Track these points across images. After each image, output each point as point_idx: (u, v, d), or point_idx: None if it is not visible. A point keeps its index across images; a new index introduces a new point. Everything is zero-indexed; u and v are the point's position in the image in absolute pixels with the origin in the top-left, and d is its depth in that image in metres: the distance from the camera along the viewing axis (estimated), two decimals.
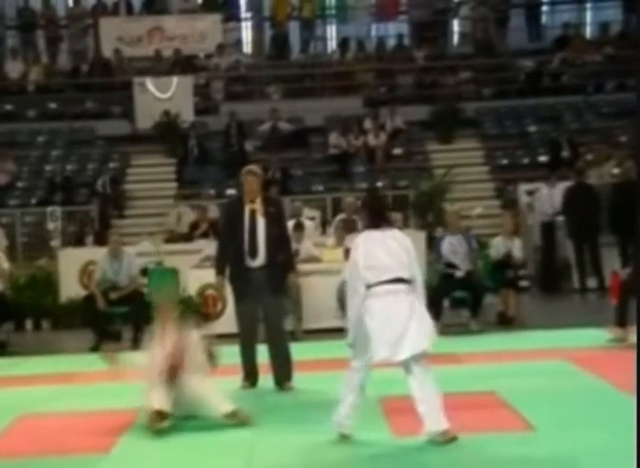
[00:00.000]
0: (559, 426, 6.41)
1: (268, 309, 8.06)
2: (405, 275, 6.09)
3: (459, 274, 11.12)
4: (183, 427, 6.88)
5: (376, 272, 6.07)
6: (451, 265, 11.16)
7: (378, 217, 6.29)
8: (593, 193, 14.53)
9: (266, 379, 8.29)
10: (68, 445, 6.61)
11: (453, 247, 11.19)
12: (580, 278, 14.31)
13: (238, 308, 8.18)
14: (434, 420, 6.02)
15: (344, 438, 6.25)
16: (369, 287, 6.09)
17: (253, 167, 8.39)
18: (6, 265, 11.94)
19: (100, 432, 6.85)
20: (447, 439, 6.02)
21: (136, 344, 11.13)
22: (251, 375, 8.22)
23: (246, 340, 8.17)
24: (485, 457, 5.81)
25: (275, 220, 8.05)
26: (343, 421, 6.25)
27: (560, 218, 14.75)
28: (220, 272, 8.17)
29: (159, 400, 6.75)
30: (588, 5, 23.36)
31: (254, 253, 7.93)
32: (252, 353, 8.18)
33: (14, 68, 21.32)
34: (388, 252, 6.10)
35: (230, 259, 8.09)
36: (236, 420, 6.74)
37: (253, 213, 7.97)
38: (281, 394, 7.99)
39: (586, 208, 14.12)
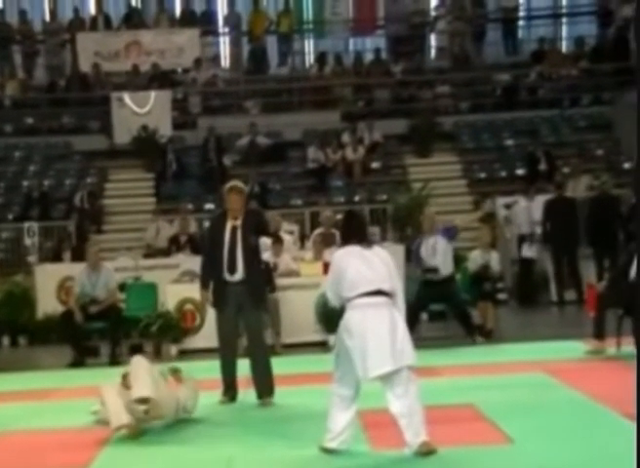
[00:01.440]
0: (537, 438, 6.43)
1: (249, 323, 8.12)
2: (385, 287, 6.08)
3: (439, 277, 11.11)
4: (163, 441, 6.89)
5: (354, 285, 6.07)
6: (430, 270, 11.15)
7: (357, 234, 6.30)
8: (573, 206, 14.65)
9: (246, 394, 8.28)
10: (48, 461, 6.60)
11: (432, 249, 11.21)
12: (559, 290, 14.42)
13: (218, 322, 8.22)
14: (415, 432, 6.02)
15: (327, 451, 6.23)
16: (348, 300, 6.10)
17: (237, 184, 8.31)
18: None
19: (78, 447, 6.85)
20: (426, 451, 6.03)
21: (113, 359, 11.15)
22: (230, 390, 8.22)
23: (226, 354, 8.20)
24: None
25: (253, 232, 8.10)
26: (333, 435, 6.22)
27: (538, 231, 14.86)
28: (204, 286, 8.25)
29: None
30: (564, 20, 23.58)
31: (233, 269, 7.99)
32: (231, 367, 8.19)
33: None
34: (368, 265, 6.10)
35: (212, 274, 8.14)
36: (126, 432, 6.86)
37: (234, 229, 8.03)
38: (260, 408, 7.99)
39: (566, 221, 14.23)
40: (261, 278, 8.48)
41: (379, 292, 6.05)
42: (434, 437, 6.10)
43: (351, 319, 6.04)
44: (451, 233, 11.74)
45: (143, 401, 6.93)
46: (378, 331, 5.96)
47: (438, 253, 11.16)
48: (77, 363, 11.16)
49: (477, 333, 11.16)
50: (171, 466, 6.34)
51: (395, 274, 6.22)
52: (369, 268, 6.08)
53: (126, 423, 6.90)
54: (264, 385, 8.08)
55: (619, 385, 7.80)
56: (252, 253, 8.07)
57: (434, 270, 11.15)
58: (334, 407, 6.22)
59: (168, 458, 6.52)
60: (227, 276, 8.00)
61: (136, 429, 6.92)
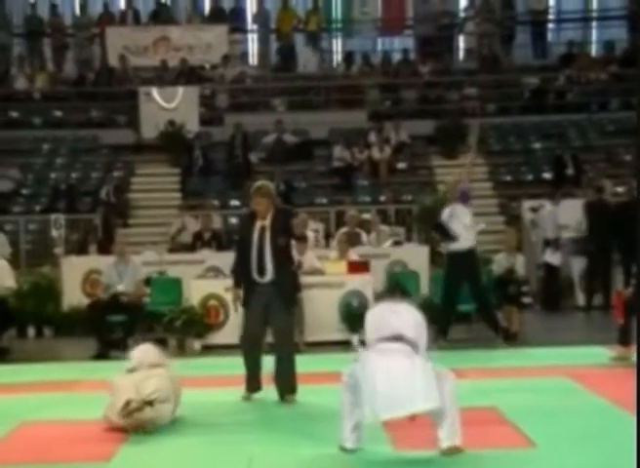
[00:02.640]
0: (560, 443, 6.41)
1: (278, 323, 8.06)
2: (407, 334, 6.04)
3: (461, 248, 10.95)
4: (184, 439, 6.89)
5: (376, 328, 6.12)
6: (451, 238, 11.01)
7: (391, 292, 6.40)
8: (611, 210, 14.54)
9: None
10: (69, 453, 6.60)
11: (455, 216, 11.08)
12: (587, 295, 14.31)
13: (245, 318, 8.22)
14: (447, 435, 6.03)
15: (347, 451, 6.25)
16: (368, 342, 6.15)
17: (262, 185, 8.13)
18: (11, 283, 11.96)
19: (100, 440, 6.86)
20: (452, 452, 6.03)
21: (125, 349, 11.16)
22: (253, 382, 8.16)
23: (247, 348, 8.17)
24: None
25: (282, 232, 8.04)
26: (347, 435, 6.25)
27: (565, 236, 14.81)
28: (236, 285, 8.25)
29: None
30: (594, 23, 23.43)
31: (261, 271, 7.95)
32: (255, 362, 8.14)
33: (20, 76, 21.39)
34: (393, 312, 6.15)
35: (243, 273, 8.12)
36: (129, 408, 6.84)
37: (262, 229, 7.98)
38: (282, 406, 7.98)
39: (604, 224, 14.13)
40: (292, 279, 8.32)
41: (399, 338, 6.03)
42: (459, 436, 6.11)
43: (367, 357, 6.02)
44: (465, 197, 11.47)
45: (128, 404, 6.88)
46: (390, 372, 5.88)
47: (461, 221, 11.02)
48: (101, 355, 11.21)
49: (501, 333, 11.09)
50: (192, 462, 6.34)
51: (423, 329, 6.16)
52: (394, 314, 6.13)
53: (132, 398, 6.84)
54: (288, 383, 8.06)
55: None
56: (281, 254, 7.99)
57: (454, 238, 11.00)
58: (343, 409, 6.22)
59: (189, 454, 6.52)
60: (257, 277, 7.96)
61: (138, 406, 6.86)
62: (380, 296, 6.57)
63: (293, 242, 12.96)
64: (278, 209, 8.19)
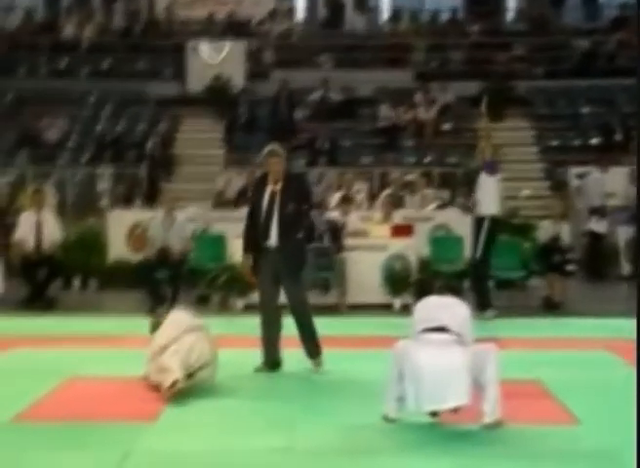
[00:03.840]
0: (604, 420, 6.33)
1: (288, 290, 7.87)
2: (451, 325, 6.04)
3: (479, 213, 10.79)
4: (227, 401, 6.90)
5: (421, 320, 6.12)
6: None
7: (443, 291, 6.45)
8: None
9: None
10: (114, 411, 6.61)
11: (478, 184, 10.90)
12: (633, 265, 14.09)
13: (258, 286, 8.07)
14: (489, 411, 5.99)
15: (389, 421, 6.23)
16: (413, 334, 6.13)
17: (275, 147, 7.94)
18: (58, 236, 12.04)
19: (146, 399, 6.85)
20: (494, 425, 6.01)
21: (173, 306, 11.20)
22: (267, 358, 7.92)
23: (264, 318, 7.94)
24: (530, 451, 5.70)
25: (292, 199, 7.79)
26: (391, 405, 6.22)
27: (611, 204, 14.57)
28: (245, 250, 8.03)
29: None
30: None
31: (266, 236, 7.76)
32: (269, 327, 7.91)
33: (68, 25, 21.35)
34: (439, 304, 6.17)
35: (253, 238, 7.94)
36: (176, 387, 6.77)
37: (273, 194, 7.77)
38: (323, 373, 7.86)
39: None
40: (299, 247, 7.91)
41: (445, 330, 6.03)
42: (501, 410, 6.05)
43: (413, 348, 6.02)
44: (489, 168, 11.25)
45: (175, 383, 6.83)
46: (435, 367, 5.89)
47: (479, 188, 10.88)
48: (151, 311, 11.24)
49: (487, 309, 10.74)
50: (235, 426, 6.31)
51: (469, 324, 6.14)
52: (442, 308, 6.13)
53: (179, 377, 6.81)
54: (312, 347, 7.93)
55: None
56: (289, 221, 7.74)
57: (472, 205, 10.89)
58: (390, 379, 6.19)
59: (233, 418, 6.49)
60: (264, 242, 7.79)
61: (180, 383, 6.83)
62: (429, 293, 6.48)
63: (335, 201, 13.03)
64: (290, 175, 8.01)
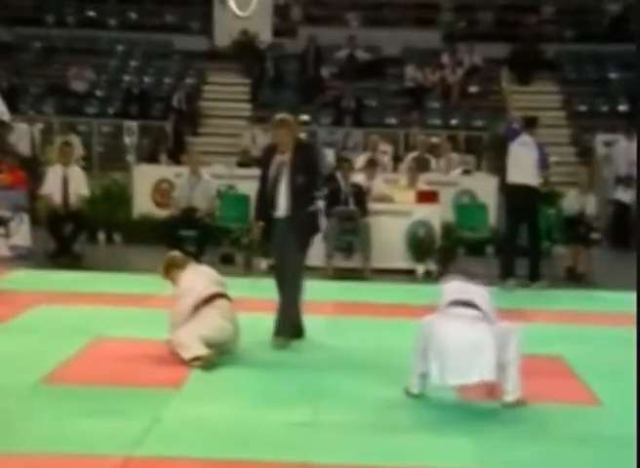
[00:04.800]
0: (626, 402, 6.21)
1: (287, 260, 7.66)
2: (477, 301, 6.02)
3: (511, 180, 10.51)
4: (252, 370, 6.88)
5: (446, 294, 6.11)
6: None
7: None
8: None
9: (338, 326, 8.20)
10: (141, 376, 6.62)
11: (524, 146, 10.62)
12: None
13: (270, 254, 8.05)
14: (511, 390, 5.97)
15: (411, 396, 6.20)
16: (443, 306, 6.10)
17: (284, 117, 7.63)
18: (85, 191, 12.02)
19: (171, 364, 6.84)
20: (516, 404, 5.98)
21: None
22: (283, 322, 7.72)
23: (277, 282, 7.79)
24: (549, 432, 5.67)
25: (302, 169, 7.51)
26: (415, 381, 6.20)
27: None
28: (257, 218, 7.92)
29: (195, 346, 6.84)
30: None
31: (274, 205, 7.58)
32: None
33: None
34: (468, 286, 6.16)
35: (264, 207, 7.77)
36: (199, 363, 6.75)
37: (281, 164, 7.53)
38: (346, 345, 7.73)
39: None
40: (308, 219, 7.61)
41: (469, 304, 6.00)
42: (523, 387, 6.02)
43: (435, 322, 6.02)
44: (511, 132, 11.04)
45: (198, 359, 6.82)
46: (460, 341, 5.88)
47: (530, 155, 10.57)
48: None
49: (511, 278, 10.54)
50: (260, 396, 6.29)
51: (491, 307, 6.08)
52: (468, 286, 6.15)
53: (200, 354, 6.80)
54: (283, 324, 7.62)
55: None
56: (298, 192, 7.47)
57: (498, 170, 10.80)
58: (415, 354, 6.16)
59: (258, 388, 6.47)
60: (272, 211, 7.62)
61: (210, 360, 6.82)
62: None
63: (361, 164, 12.89)
64: (300, 144, 7.72)
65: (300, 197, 7.50)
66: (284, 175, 7.50)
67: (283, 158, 7.52)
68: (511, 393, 6.03)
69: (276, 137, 7.62)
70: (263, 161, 7.86)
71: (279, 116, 7.68)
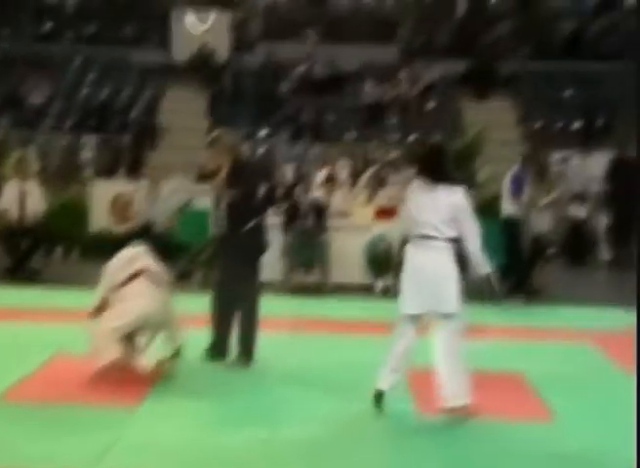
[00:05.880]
0: (580, 417, 6.36)
1: (239, 283, 7.47)
2: (441, 232, 6.08)
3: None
4: (211, 390, 6.86)
5: (413, 224, 6.19)
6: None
7: (431, 170, 6.16)
8: (636, 167, 14.33)
9: (296, 342, 8.25)
10: (99, 393, 6.57)
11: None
12: (614, 250, 14.19)
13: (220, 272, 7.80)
14: (453, 393, 6.06)
15: (379, 397, 6.22)
16: (408, 237, 6.27)
17: (215, 136, 7.54)
18: (42, 206, 11.93)
19: (131, 379, 6.82)
20: (463, 414, 6.05)
21: None
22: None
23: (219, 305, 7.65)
24: (501, 447, 5.73)
25: (237, 188, 7.35)
26: (385, 376, 6.24)
27: (592, 190, 14.62)
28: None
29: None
30: None
31: (218, 224, 7.56)
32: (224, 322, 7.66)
33: None
34: (431, 206, 6.08)
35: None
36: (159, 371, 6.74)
37: (218, 184, 7.44)
38: (304, 361, 7.76)
39: (629, 181, 13.92)
40: (247, 238, 7.41)
41: (432, 237, 6.09)
42: (477, 403, 6.10)
43: (407, 254, 6.23)
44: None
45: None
46: (421, 272, 6.08)
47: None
48: None
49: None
50: (214, 416, 6.30)
51: (465, 217, 6.12)
52: (431, 210, 6.07)
53: (116, 357, 6.68)
54: (245, 346, 7.50)
55: None
56: (233, 211, 7.35)
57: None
58: (392, 349, 6.27)
59: (212, 408, 6.47)
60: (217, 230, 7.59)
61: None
62: (419, 172, 6.29)
63: (319, 181, 12.91)
64: (235, 162, 7.45)
65: (237, 216, 7.38)
66: (224, 194, 7.42)
67: (219, 177, 7.44)
68: (451, 399, 6.07)
69: (209, 158, 7.57)
70: (210, 177, 7.75)
71: (213, 135, 7.62)
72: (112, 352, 6.72)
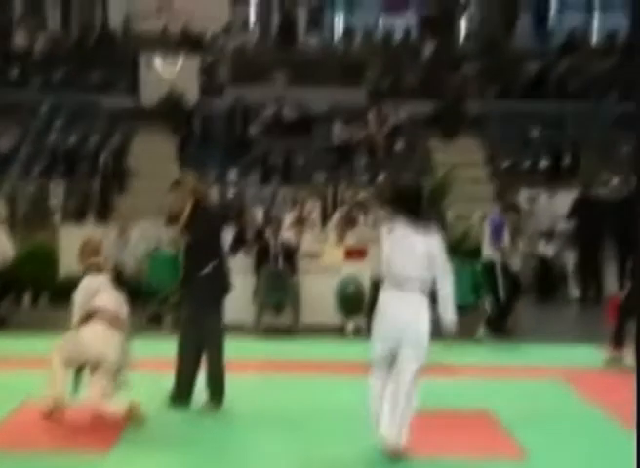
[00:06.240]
0: (551, 454, 6.38)
1: (203, 327, 7.46)
2: (415, 275, 6.09)
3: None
4: (181, 435, 6.82)
5: (389, 268, 6.17)
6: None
7: (406, 210, 6.14)
8: (600, 205, 14.54)
9: (266, 384, 8.22)
10: (70, 439, 6.56)
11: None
12: (581, 288, 14.33)
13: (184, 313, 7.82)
14: (397, 430, 6.04)
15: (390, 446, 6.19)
16: (383, 279, 6.29)
17: (177, 179, 7.69)
18: (9, 252, 11.88)
19: (101, 424, 6.78)
20: (396, 455, 6.05)
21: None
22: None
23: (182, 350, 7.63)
24: None
25: (195, 232, 7.38)
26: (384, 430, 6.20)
27: (559, 228, 14.78)
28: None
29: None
30: (596, 12, 23.23)
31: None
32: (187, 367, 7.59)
33: (20, 35, 21.10)
34: (407, 250, 6.09)
35: None
36: (130, 417, 6.71)
37: (182, 227, 7.49)
38: (274, 403, 7.75)
39: (592, 220, 14.14)
40: (208, 279, 7.36)
41: (406, 281, 6.10)
42: (447, 442, 6.11)
43: (380, 297, 6.29)
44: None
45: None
46: (393, 317, 6.11)
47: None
48: None
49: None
50: (187, 455, 6.29)
51: (439, 262, 6.14)
52: (407, 254, 6.08)
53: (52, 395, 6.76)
54: (214, 389, 7.46)
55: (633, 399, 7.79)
56: (192, 252, 7.38)
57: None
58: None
59: (184, 448, 6.45)
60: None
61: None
62: (395, 211, 6.23)
63: (288, 222, 12.97)
64: (197, 203, 7.48)
65: (195, 258, 7.36)
66: (184, 238, 7.43)
67: (181, 220, 7.47)
68: (393, 437, 6.05)
69: (172, 201, 7.55)
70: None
71: (175, 179, 7.68)
72: (53, 388, 6.75)
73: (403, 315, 6.11)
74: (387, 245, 6.22)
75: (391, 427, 6.05)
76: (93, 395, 6.88)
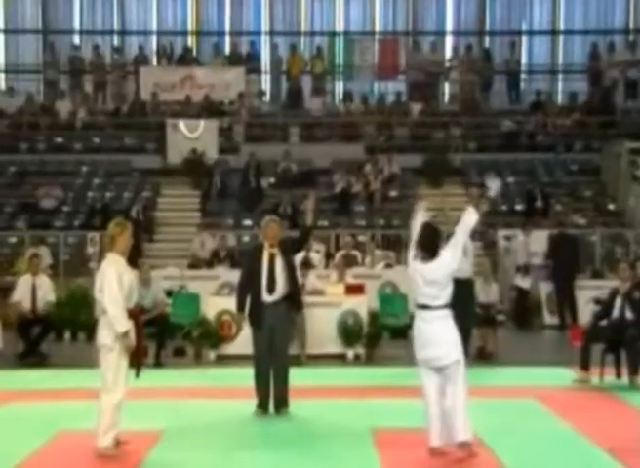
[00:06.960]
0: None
1: (279, 338, 7.94)
2: (434, 303, 6.38)
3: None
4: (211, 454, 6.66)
5: (415, 296, 6.55)
6: None
7: (423, 246, 6.51)
8: (574, 242, 14.45)
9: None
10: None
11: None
12: (560, 315, 14.13)
13: (255, 338, 8.03)
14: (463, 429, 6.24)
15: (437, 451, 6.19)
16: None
17: (274, 217, 8.38)
18: (52, 297, 11.81)
19: (133, 452, 6.62)
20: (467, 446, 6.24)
21: (158, 361, 10.96)
22: (264, 402, 7.93)
23: (261, 368, 7.95)
24: None
25: (288, 260, 8.06)
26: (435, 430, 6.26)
27: (534, 263, 14.70)
28: (240, 309, 8.10)
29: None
30: (560, 76, 23.38)
31: (272, 290, 7.89)
32: (267, 380, 7.94)
33: (64, 107, 21.27)
34: (424, 280, 6.37)
35: (250, 296, 7.99)
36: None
37: (272, 256, 7.95)
38: (287, 421, 7.70)
39: (568, 255, 14.00)
40: (292, 297, 8.10)
41: (427, 307, 6.40)
42: (435, 462, 5.92)
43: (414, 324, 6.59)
44: None
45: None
46: (422, 335, 6.41)
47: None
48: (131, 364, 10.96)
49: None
50: None
51: (448, 280, 6.42)
52: (424, 284, 6.36)
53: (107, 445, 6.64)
54: (281, 396, 7.90)
55: (602, 418, 7.65)
56: (288, 279, 7.99)
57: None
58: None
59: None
60: (266, 297, 7.88)
61: None
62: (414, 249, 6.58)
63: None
64: (281, 240, 8.14)
65: (287, 283, 7.98)
66: (277, 266, 7.92)
67: (273, 250, 7.95)
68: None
69: (269, 231, 8.03)
70: (251, 256, 8.21)
71: (269, 217, 8.39)
72: (109, 438, 6.58)
73: (427, 332, 6.44)
74: (411, 274, 6.54)
75: (458, 426, 6.21)
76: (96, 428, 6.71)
